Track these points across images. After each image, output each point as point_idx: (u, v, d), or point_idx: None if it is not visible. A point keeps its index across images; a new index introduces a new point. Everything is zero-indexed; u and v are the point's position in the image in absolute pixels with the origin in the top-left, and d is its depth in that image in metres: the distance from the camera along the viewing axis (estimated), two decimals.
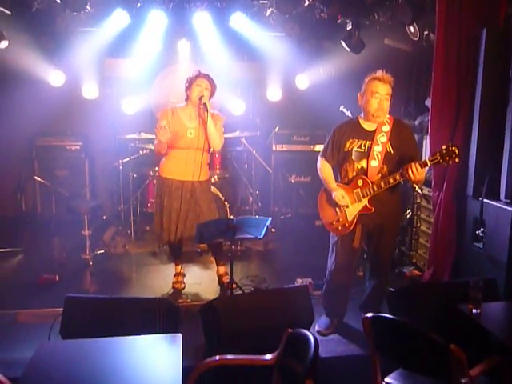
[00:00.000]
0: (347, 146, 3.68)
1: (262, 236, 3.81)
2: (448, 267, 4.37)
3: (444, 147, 3.33)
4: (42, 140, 6.89)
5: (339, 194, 3.66)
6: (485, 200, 4.02)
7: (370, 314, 2.68)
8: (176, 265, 4.83)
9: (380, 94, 3.54)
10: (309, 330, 3.43)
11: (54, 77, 6.53)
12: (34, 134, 6.89)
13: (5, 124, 6.66)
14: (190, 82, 4.32)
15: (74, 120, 6.98)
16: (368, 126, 3.68)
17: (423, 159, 3.47)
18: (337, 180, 3.81)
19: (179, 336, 2.55)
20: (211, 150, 4.47)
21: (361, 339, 3.59)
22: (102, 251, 5.68)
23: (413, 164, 3.37)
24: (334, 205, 3.72)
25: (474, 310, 2.81)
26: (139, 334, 2.64)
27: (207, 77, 4.35)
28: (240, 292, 4.33)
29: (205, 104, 4.23)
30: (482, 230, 4.08)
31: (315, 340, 2.35)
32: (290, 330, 2.56)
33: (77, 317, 3.22)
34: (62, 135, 6.94)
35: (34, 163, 6.87)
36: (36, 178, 6.76)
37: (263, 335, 3.29)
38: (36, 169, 6.87)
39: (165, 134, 4.14)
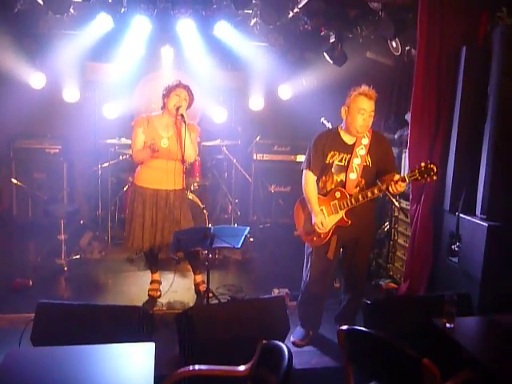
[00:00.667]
0: (328, 158, 3.68)
1: (239, 246, 3.81)
2: (424, 281, 4.40)
3: (423, 164, 3.34)
4: (20, 142, 6.78)
5: (319, 220, 3.63)
6: (461, 215, 4.08)
7: (344, 327, 2.68)
8: (152, 272, 4.79)
9: (366, 110, 3.54)
10: (284, 340, 3.46)
11: (35, 79, 6.43)
12: (13, 135, 6.77)
13: None
14: (169, 91, 4.28)
15: (54, 123, 6.89)
16: (348, 139, 3.69)
17: (402, 174, 3.50)
18: None
19: (152, 345, 2.51)
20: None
21: (335, 351, 3.58)
22: (78, 256, 5.60)
23: (393, 183, 3.40)
24: (311, 217, 3.73)
25: (447, 325, 2.83)
26: (112, 342, 2.59)
27: (187, 88, 4.32)
28: (216, 301, 4.30)
29: (182, 115, 4.19)
30: (457, 244, 4.13)
31: (289, 352, 2.34)
32: (264, 341, 2.54)
33: (49, 323, 3.17)
34: (41, 138, 6.84)
35: (12, 165, 6.76)
36: (13, 180, 6.65)
37: (238, 345, 3.26)
38: (13, 171, 6.75)
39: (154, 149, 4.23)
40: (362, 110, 3.54)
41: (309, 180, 3.75)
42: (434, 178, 3.35)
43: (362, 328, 2.65)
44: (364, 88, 3.58)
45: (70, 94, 6.73)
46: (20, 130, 6.78)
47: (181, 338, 3.46)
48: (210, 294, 4.05)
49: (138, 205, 4.40)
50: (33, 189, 6.67)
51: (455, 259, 4.16)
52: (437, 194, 4.37)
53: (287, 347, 2.39)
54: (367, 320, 3.58)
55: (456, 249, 4.15)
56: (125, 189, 6.17)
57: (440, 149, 4.30)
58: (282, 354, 2.33)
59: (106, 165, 6.29)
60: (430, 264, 4.42)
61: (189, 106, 4.38)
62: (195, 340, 3.22)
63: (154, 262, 4.78)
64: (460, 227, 4.09)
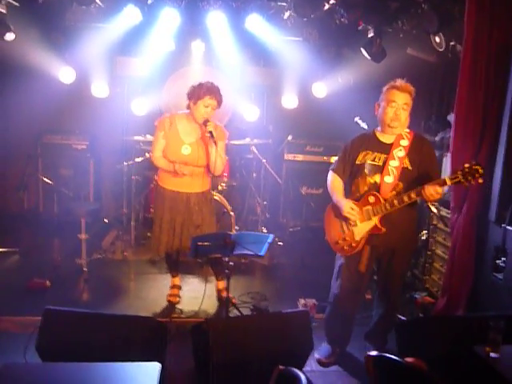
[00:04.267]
0: (360, 158, 3.39)
1: (262, 253, 3.54)
2: (464, 297, 4.04)
3: (467, 165, 2.98)
4: (48, 137, 6.71)
5: (348, 205, 3.33)
6: (508, 227, 3.71)
7: (373, 353, 2.37)
8: (172, 276, 4.59)
9: (397, 102, 3.25)
10: (306, 360, 3.19)
11: (64, 73, 6.32)
12: (40, 130, 6.72)
13: (11, 119, 6.52)
14: (197, 97, 3.95)
15: (82, 118, 6.79)
16: (385, 139, 3.38)
17: (442, 177, 3.14)
18: (347, 195, 3.50)
19: (157, 365, 2.27)
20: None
21: (365, 372, 3.27)
22: (100, 256, 5.44)
23: (430, 185, 3.05)
24: (341, 221, 3.43)
25: (491, 354, 2.52)
26: (122, 355, 2.42)
27: (217, 94, 3.99)
28: (236, 312, 4.06)
29: (211, 132, 3.90)
30: (503, 259, 3.76)
31: (307, 381, 2.06)
32: (280, 367, 2.27)
33: (55, 332, 3.00)
34: (68, 133, 6.75)
35: (39, 160, 6.69)
36: (40, 176, 6.56)
37: (256, 364, 3.02)
38: (40, 166, 6.70)
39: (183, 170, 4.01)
40: (393, 102, 3.26)
41: (333, 178, 3.53)
42: (480, 180, 2.97)
43: (392, 356, 2.32)
44: (397, 81, 3.32)
45: (99, 89, 6.59)
46: (48, 125, 6.72)
47: (196, 354, 3.24)
48: (230, 305, 3.80)
49: (158, 205, 4.24)
50: (59, 185, 6.56)
51: (500, 275, 3.78)
52: (481, 203, 4.00)
53: (305, 375, 2.12)
54: (400, 340, 3.30)
55: (501, 264, 3.77)
56: (150, 187, 5.99)
57: (486, 153, 3.92)
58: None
59: (131, 162, 6.09)
60: (472, 279, 4.06)
61: (218, 107, 4.09)
62: (211, 357, 2.96)
63: (174, 265, 4.57)
64: (506, 240, 3.71)
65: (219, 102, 4.05)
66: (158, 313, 4.26)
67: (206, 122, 3.95)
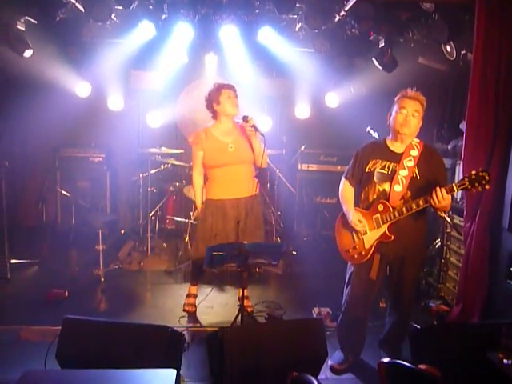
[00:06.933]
0: (370, 166, 3.42)
1: (276, 262, 3.59)
2: (478, 305, 4.04)
3: (473, 172, 3.03)
4: (65, 151, 6.82)
5: (355, 217, 3.39)
6: None
7: (386, 359, 2.39)
8: (192, 285, 4.59)
9: (407, 109, 3.29)
10: (321, 367, 3.21)
11: (80, 88, 6.48)
12: (58, 144, 6.83)
13: (29, 133, 6.66)
14: (216, 96, 4.06)
15: (99, 131, 6.92)
16: (395, 148, 3.41)
17: (450, 184, 3.17)
18: (356, 203, 3.54)
19: (173, 372, 2.33)
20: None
21: (378, 380, 3.29)
22: (116, 267, 5.52)
23: (438, 188, 3.08)
24: (352, 230, 3.46)
25: (504, 361, 2.54)
26: (139, 363, 2.47)
27: (229, 85, 4.13)
28: (251, 320, 4.09)
29: (254, 126, 3.92)
30: None
31: None
32: (294, 374, 2.30)
33: (74, 340, 3.05)
34: (85, 146, 6.86)
35: (57, 173, 6.81)
36: (58, 188, 6.69)
37: (271, 372, 3.05)
38: (58, 179, 6.81)
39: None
40: (403, 108, 3.30)
41: (344, 186, 3.58)
42: (487, 187, 3.02)
43: (405, 363, 2.35)
44: (407, 90, 3.36)
45: (115, 102, 6.74)
46: (65, 138, 6.84)
47: (211, 362, 3.28)
48: (246, 313, 3.84)
49: (212, 220, 4.16)
50: (77, 197, 6.72)
51: None
52: (494, 211, 4.01)
53: (319, 382, 2.14)
54: (414, 348, 3.29)
55: None
56: (166, 198, 6.09)
57: (498, 161, 3.93)
58: None
59: (146, 174, 6.20)
60: (486, 287, 4.05)
61: (237, 96, 4.16)
62: (226, 365, 3.00)
63: (199, 275, 4.57)
64: None
65: (235, 92, 4.13)
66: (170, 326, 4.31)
67: (245, 118, 3.96)
